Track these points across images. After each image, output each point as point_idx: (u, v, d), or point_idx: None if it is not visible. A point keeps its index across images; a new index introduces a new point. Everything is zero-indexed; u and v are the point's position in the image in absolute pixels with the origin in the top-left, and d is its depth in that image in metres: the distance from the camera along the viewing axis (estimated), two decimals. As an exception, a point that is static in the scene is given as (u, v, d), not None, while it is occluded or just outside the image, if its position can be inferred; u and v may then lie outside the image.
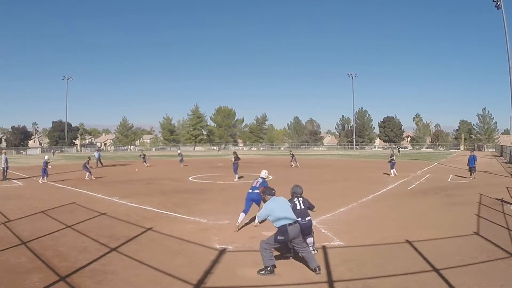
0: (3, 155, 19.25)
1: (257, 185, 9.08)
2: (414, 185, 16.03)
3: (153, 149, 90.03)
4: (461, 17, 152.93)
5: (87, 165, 20.22)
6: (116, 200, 12.40)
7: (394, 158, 20.61)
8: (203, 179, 19.10)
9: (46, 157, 18.83)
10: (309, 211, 6.54)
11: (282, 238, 5.58)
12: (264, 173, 9.50)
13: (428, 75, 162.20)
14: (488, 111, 79.80)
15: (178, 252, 6.61)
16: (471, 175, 18.34)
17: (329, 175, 21.84)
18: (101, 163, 29.18)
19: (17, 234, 7.68)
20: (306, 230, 6.31)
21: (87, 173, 19.90)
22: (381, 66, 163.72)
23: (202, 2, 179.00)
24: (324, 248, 6.72)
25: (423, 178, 18.84)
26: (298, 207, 6.62)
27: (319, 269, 5.46)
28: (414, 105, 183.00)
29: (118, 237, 7.45)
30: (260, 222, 5.67)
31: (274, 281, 5.27)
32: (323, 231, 8.03)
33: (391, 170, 20.09)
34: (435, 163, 30.50)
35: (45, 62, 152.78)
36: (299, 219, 6.32)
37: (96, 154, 30.44)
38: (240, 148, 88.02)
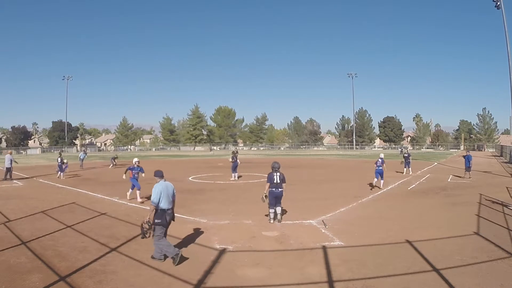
0: (9, 155, 19.37)
1: (380, 164, 14.88)
2: (414, 185, 16.03)
3: (153, 149, 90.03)
4: (461, 17, 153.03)
5: (59, 163, 20.27)
6: (116, 200, 12.40)
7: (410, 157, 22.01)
8: (203, 179, 19.10)
9: (135, 159, 12.79)
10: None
11: (159, 221, 5.87)
12: (382, 155, 15.54)
13: (428, 75, 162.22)
14: (488, 111, 79.63)
15: (178, 252, 6.61)
16: (465, 174, 18.68)
17: (329, 175, 21.84)
18: (81, 166, 26.81)
19: (17, 234, 7.68)
20: (278, 198, 8.61)
21: (59, 172, 20.01)
22: (381, 66, 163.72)
23: (202, 2, 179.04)
24: (324, 248, 6.72)
25: (423, 178, 18.84)
26: (275, 180, 8.60)
27: (176, 258, 5.75)
28: (414, 105, 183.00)
29: (118, 237, 7.45)
30: (156, 205, 5.87)
31: (274, 281, 5.27)
32: (323, 231, 8.03)
33: (409, 169, 21.34)
34: (435, 163, 30.48)
35: (45, 62, 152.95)
36: (274, 189, 8.54)
37: (81, 155, 28.30)
38: (240, 148, 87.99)
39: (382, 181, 14.96)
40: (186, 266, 5.79)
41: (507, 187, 14.54)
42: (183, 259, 5.83)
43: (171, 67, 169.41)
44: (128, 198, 12.14)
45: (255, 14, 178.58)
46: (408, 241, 7.01)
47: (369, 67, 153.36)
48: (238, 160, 18.56)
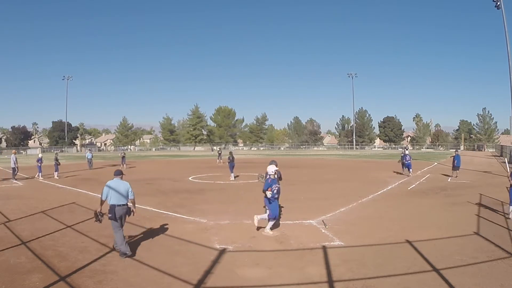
0: (13, 155, 19.52)
1: (408, 159, 19.76)
2: (414, 185, 16.03)
3: (153, 149, 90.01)
4: (461, 17, 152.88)
5: (56, 162, 20.81)
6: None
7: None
8: (203, 179, 19.09)
9: (273, 168, 8.05)
10: None
11: (110, 215, 6.32)
12: (407, 151, 20.34)
13: (428, 75, 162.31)
14: (488, 111, 79.56)
15: (178, 252, 6.62)
16: (453, 173, 19.28)
17: (329, 175, 21.83)
18: (90, 166, 26.45)
19: (17, 234, 7.69)
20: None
21: (55, 172, 20.49)
22: (381, 66, 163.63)
23: (202, 2, 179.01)
24: (324, 248, 6.72)
25: (423, 178, 18.84)
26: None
27: (124, 256, 6.17)
28: (414, 105, 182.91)
29: (118, 237, 7.44)
30: (103, 199, 6.44)
31: (274, 281, 5.27)
32: (323, 231, 8.03)
33: (410, 170, 20.55)
34: (435, 163, 30.47)
35: (45, 62, 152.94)
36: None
37: (88, 154, 27.75)
38: (240, 148, 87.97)
39: (411, 170, 19.90)
40: (186, 266, 5.80)
41: (507, 187, 14.49)
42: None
43: (171, 67, 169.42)
44: (270, 231, 7.75)
45: (255, 14, 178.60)
46: (408, 241, 7.01)
47: (369, 67, 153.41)
48: (221, 159, 19.01)
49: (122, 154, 29.57)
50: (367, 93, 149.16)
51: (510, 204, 9.06)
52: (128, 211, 6.55)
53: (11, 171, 18.93)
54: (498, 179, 18.26)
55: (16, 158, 19.19)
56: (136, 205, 6.66)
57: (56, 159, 20.94)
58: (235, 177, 18.77)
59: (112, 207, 6.33)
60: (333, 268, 5.67)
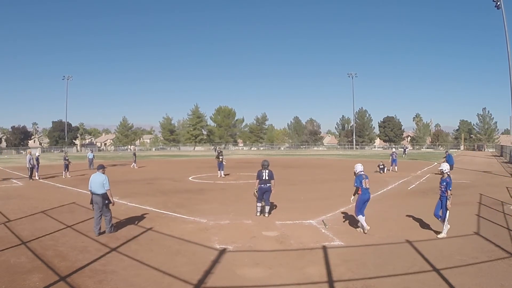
0: (28, 154, 19.71)
1: (395, 157, 22.91)
2: (414, 185, 16.02)
3: (153, 149, 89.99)
4: (461, 17, 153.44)
5: (66, 161, 21.13)
6: (116, 200, 12.34)
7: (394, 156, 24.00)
8: (203, 179, 19.09)
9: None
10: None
11: (91, 201, 7.84)
12: (393, 149, 27.77)
13: (428, 75, 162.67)
14: (488, 111, 79.51)
15: (178, 252, 6.62)
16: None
17: (329, 175, 21.84)
18: (90, 166, 25.42)
19: (17, 234, 7.69)
20: (267, 193, 9.38)
21: (65, 171, 20.84)
22: (381, 66, 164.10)
23: (202, 2, 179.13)
24: (324, 248, 6.72)
25: (423, 178, 18.83)
26: (263, 177, 9.39)
27: (110, 231, 7.69)
28: (414, 105, 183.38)
29: (118, 237, 7.46)
30: (90, 190, 7.98)
31: (274, 281, 5.27)
32: (323, 231, 8.03)
33: (396, 167, 22.84)
34: (435, 163, 30.44)
35: (45, 62, 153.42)
36: (262, 184, 9.35)
37: (90, 154, 27.11)
38: (240, 148, 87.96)
39: (396, 167, 22.48)
40: (186, 266, 5.80)
41: (507, 187, 14.53)
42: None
43: (171, 67, 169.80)
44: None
45: (255, 14, 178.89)
46: (408, 241, 7.01)
47: (369, 67, 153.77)
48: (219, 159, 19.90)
49: (134, 152, 29.92)
50: (367, 93, 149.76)
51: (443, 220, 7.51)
52: (104, 201, 7.71)
53: (28, 170, 19.10)
54: (498, 179, 18.27)
55: (32, 158, 19.29)
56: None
57: (65, 159, 21.10)
58: (224, 175, 19.22)
59: (92, 195, 7.77)
60: (333, 268, 5.67)
